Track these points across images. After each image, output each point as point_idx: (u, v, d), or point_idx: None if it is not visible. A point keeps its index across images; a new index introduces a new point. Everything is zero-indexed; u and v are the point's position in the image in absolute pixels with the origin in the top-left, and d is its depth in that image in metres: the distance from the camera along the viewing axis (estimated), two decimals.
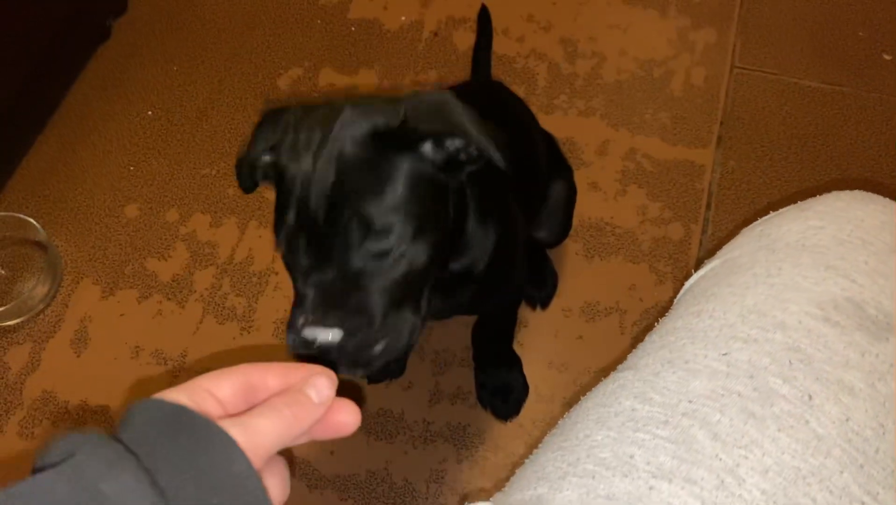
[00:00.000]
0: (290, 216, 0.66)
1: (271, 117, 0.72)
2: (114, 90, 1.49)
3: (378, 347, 0.66)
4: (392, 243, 0.65)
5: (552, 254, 1.26)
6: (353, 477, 1.11)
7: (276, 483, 0.39)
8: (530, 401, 1.16)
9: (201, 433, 0.34)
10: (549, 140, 1.19)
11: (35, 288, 1.26)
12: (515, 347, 1.18)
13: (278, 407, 0.38)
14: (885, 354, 0.45)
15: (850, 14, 1.52)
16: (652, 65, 1.47)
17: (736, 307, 0.48)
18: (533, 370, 1.18)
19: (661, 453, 0.43)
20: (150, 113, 1.46)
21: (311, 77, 1.49)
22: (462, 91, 1.14)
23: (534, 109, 1.17)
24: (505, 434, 1.14)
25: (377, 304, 0.66)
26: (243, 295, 1.27)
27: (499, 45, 1.48)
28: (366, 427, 1.14)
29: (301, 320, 0.64)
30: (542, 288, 1.22)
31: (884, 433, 0.43)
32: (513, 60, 1.48)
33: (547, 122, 1.21)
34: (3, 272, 1.30)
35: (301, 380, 0.40)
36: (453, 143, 0.68)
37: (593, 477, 0.44)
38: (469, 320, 1.17)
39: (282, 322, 1.22)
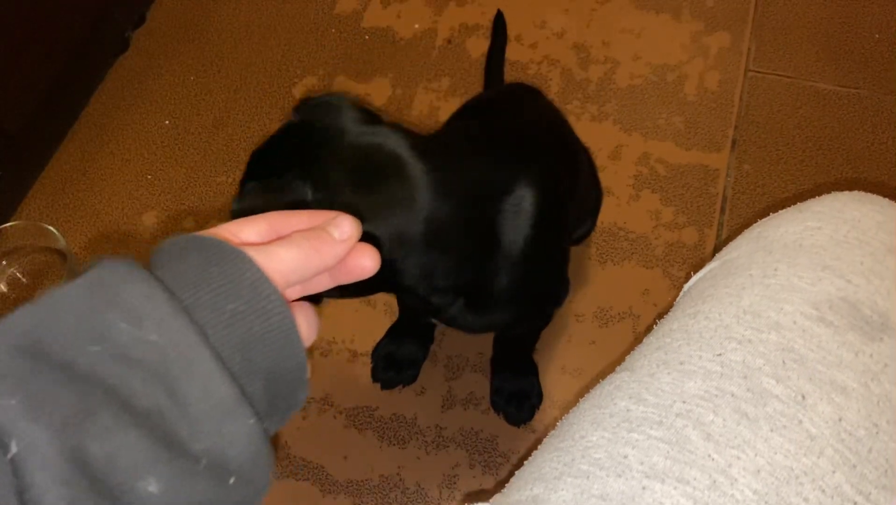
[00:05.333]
0: None
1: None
2: (132, 100, 1.52)
3: None
4: None
5: None
6: (365, 482, 1.11)
7: (302, 323, 0.39)
8: (543, 407, 1.16)
9: (213, 250, 0.36)
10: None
11: None
12: None
13: (297, 239, 0.39)
14: (878, 354, 0.45)
15: (866, 16, 1.50)
16: (665, 69, 1.47)
17: (732, 308, 0.48)
18: (546, 376, 1.18)
19: (655, 454, 0.43)
20: (167, 122, 1.49)
21: (325, 85, 1.50)
22: (493, 99, 1.15)
23: None
24: (517, 440, 1.14)
25: None
26: None
27: (512, 52, 1.48)
28: (378, 432, 1.15)
29: None
30: None
31: (877, 433, 0.43)
32: (526, 67, 1.49)
33: None
34: (23, 280, 1.33)
35: (325, 221, 0.41)
36: None
37: (588, 477, 0.44)
38: None
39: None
